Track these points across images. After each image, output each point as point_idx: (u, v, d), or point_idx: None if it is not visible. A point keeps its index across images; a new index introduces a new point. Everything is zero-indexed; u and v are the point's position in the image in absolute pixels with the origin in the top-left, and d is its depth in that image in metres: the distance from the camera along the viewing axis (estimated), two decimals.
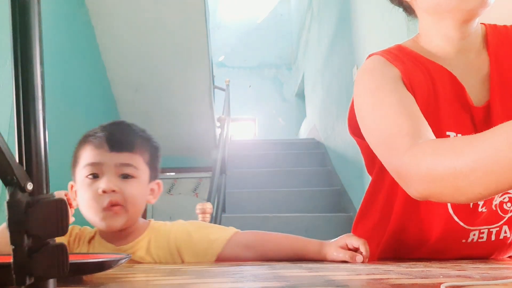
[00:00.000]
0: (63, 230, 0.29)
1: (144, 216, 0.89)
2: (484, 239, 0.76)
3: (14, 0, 0.31)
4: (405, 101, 0.67)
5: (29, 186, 0.29)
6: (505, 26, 0.79)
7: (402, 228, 0.80)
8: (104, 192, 0.78)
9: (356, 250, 0.74)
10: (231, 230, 0.86)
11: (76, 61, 3.19)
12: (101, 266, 0.50)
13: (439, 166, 0.52)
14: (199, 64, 3.99)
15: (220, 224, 3.23)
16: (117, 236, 0.83)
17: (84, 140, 0.84)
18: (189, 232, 0.85)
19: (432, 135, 0.61)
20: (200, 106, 4.50)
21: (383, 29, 2.22)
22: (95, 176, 0.80)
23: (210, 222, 2.07)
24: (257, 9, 8.05)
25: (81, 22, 3.31)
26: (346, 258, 0.73)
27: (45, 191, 0.30)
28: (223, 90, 5.26)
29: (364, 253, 0.72)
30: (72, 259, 0.33)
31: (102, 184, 0.78)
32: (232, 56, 7.77)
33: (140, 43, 3.70)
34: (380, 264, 0.68)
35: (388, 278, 0.45)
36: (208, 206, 1.69)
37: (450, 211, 0.73)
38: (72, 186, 0.85)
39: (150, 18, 3.49)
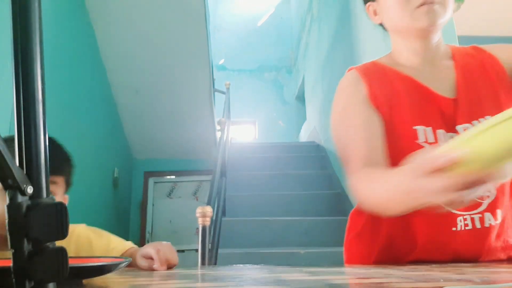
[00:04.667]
0: (63, 234, 0.29)
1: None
2: (470, 227, 0.78)
3: (15, 3, 0.31)
4: (368, 124, 0.80)
5: (29, 190, 0.29)
6: (470, 46, 0.92)
7: (393, 225, 0.82)
8: None
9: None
10: (129, 243, 0.95)
11: (76, 63, 3.19)
12: (101, 270, 0.50)
13: (371, 192, 0.70)
14: (199, 66, 4.00)
15: (221, 227, 3.22)
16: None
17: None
18: (90, 239, 0.93)
19: (381, 158, 0.76)
20: (200, 109, 4.51)
21: (383, 32, 2.23)
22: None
23: (211, 225, 2.06)
24: (257, 12, 8.06)
25: (81, 24, 3.32)
26: (145, 266, 0.77)
27: (45, 195, 0.30)
28: (223, 93, 5.26)
29: (156, 262, 0.75)
30: (72, 263, 0.33)
31: None
32: (232, 59, 7.78)
33: (141, 45, 3.71)
34: (380, 268, 0.68)
35: (389, 282, 0.45)
36: (208, 210, 1.69)
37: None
38: None
39: (150, 21, 3.50)
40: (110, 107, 4.20)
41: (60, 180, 0.94)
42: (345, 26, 3.38)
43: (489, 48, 0.89)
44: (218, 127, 4.34)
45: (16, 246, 0.28)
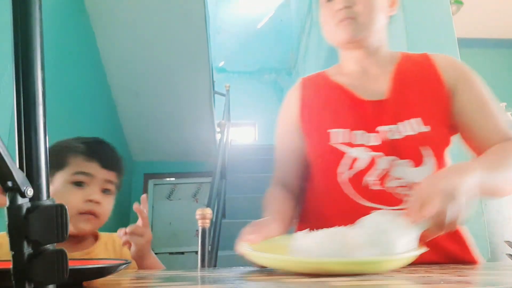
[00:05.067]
0: (63, 236, 0.29)
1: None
2: None
3: (16, 6, 0.31)
4: (286, 149, 0.96)
5: (30, 192, 0.29)
6: (421, 54, 0.97)
7: (317, 221, 0.88)
8: (90, 201, 0.89)
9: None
10: None
11: (76, 66, 3.19)
12: (101, 272, 0.50)
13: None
14: (199, 69, 4.00)
15: (220, 229, 3.21)
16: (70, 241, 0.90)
17: (73, 149, 0.93)
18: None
19: (289, 180, 0.95)
20: (200, 111, 4.51)
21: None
22: (79, 184, 0.90)
23: (210, 227, 2.06)
24: (257, 14, 8.07)
25: (81, 27, 3.32)
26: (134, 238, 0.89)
27: (45, 197, 0.30)
28: (223, 95, 5.27)
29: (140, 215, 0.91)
30: (72, 265, 0.33)
31: (91, 193, 0.89)
32: (232, 61, 7.78)
33: (141, 48, 3.71)
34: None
35: (390, 284, 0.45)
36: (208, 212, 1.69)
37: (344, 190, 0.84)
38: None
39: (150, 24, 3.51)
40: (110, 109, 4.20)
41: (116, 180, 0.96)
42: None
43: (434, 56, 0.93)
44: (218, 129, 4.34)
45: (16, 248, 0.28)
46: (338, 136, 0.86)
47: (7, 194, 0.29)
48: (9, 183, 0.28)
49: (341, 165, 0.84)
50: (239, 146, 5.88)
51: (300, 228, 0.90)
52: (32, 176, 0.30)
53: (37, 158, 0.30)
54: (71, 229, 0.85)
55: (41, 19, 0.32)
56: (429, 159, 0.82)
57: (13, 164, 0.29)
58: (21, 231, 0.28)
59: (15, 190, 0.29)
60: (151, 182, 5.39)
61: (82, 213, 0.88)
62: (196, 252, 2.02)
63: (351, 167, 0.83)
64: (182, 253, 4.99)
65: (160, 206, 5.33)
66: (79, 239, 0.92)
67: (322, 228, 0.83)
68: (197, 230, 1.70)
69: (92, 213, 0.89)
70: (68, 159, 0.90)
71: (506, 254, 0.82)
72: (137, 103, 4.29)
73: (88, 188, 0.90)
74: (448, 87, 0.89)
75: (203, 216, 1.67)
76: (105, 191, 0.93)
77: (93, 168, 0.91)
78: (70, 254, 0.85)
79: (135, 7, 3.36)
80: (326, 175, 0.86)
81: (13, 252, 0.28)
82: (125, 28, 3.51)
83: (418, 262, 0.63)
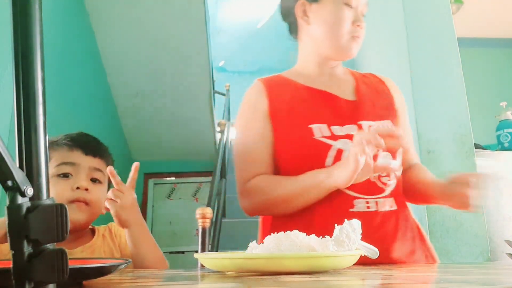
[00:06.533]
0: (63, 235, 0.29)
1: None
2: (373, 209, 0.86)
3: (15, 5, 0.31)
4: (261, 141, 0.94)
5: (29, 191, 0.29)
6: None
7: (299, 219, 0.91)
8: (77, 188, 0.87)
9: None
10: None
11: (76, 65, 3.19)
12: (101, 272, 0.50)
13: (273, 192, 0.88)
14: (199, 68, 4.00)
15: (221, 228, 3.22)
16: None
17: (55, 143, 0.92)
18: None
19: (267, 171, 0.92)
20: (200, 110, 4.50)
21: (383, 33, 2.23)
22: (66, 176, 0.88)
23: (210, 227, 2.06)
24: (257, 14, 8.07)
25: (81, 27, 3.32)
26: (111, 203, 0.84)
27: (45, 196, 0.30)
28: (223, 95, 5.26)
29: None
30: (72, 264, 0.33)
31: (77, 181, 0.87)
32: (232, 60, 7.78)
33: (141, 48, 3.71)
34: (381, 269, 0.68)
35: (390, 284, 0.45)
36: (208, 211, 1.69)
37: None
38: None
39: (150, 23, 3.50)
40: (110, 109, 4.19)
41: (104, 167, 0.93)
42: None
43: (381, 77, 1.06)
44: (218, 129, 4.34)
45: (16, 248, 0.28)
46: (320, 130, 0.89)
47: (7, 193, 0.29)
48: (9, 183, 0.28)
49: (328, 157, 0.87)
50: None
51: (277, 222, 0.93)
52: (32, 176, 0.30)
53: (37, 157, 0.30)
54: None
55: (41, 19, 0.32)
56: (399, 156, 0.88)
57: (13, 164, 0.29)
58: (21, 230, 0.28)
59: (15, 190, 0.29)
60: (151, 182, 5.39)
61: (71, 202, 0.86)
62: (196, 251, 2.02)
63: (339, 159, 0.87)
64: (182, 252, 5.00)
65: (160, 206, 5.33)
66: (77, 235, 0.91)
67: (304, 219, 0.88)
68: (197, 230, 1.70)
69: (81, 201, 0.87)
70: (51, 154, 0.90)
71: (506, 253, 0.82)
72: (137, 102, 4.29)
73: (75, 177, 0.88)
74: (396, 106, 1.00)
75: (203, 215, 1.67)
76: (94, 180, 0.91)
77: (76, 156, 0.90)
78: (71, 251, 0.85)
79: (135, 7, 3.36)
80: (313, 168, 0.88)
81: (13, 252, 0.28)
82: (125, 27, 3.51)
83: (378, 262, 0.69)
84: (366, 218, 0.81)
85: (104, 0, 3.30)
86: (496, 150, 2.06)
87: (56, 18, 2.77)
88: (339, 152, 0.88)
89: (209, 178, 3.68)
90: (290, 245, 0.59)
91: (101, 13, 3.37)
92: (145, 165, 5.39)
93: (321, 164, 0.87)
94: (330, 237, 0.61)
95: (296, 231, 0.62)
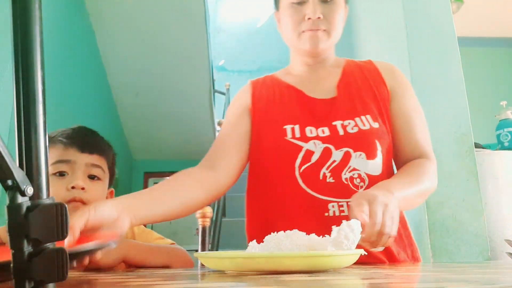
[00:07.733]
0: (63, 234, 0.29)
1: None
2: (346, 213, 0.83)
3: (15, 5, 0.31)
4: (232, 133, 0.96)
5: (29, 190, 0.29)
6: (366, 61, 1.06)
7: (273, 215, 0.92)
8: (73, 188, 0.82)
9: None
10: (169, 240, 1.00)
11: (76, 65, 3.19)
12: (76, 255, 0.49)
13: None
14: (200, 68, 4.00)
15: (221, 228, 3.22)
16: None
17: (49, 140, 0.88)
18: (134, 233, 0.96)
19: (223, 162, 0.93)
20: (200, 110, 4.50)
21: (383, 33, 2.23)
22: (62, 174, 0.84)
23: (211, 226, 2.06)
24: (257, 13, 8.06)
25: (81, 26, 3.32)
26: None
27: (45, 195, 0.30)
28: (223, 94, 5.27)
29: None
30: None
31: (73, 180, 0.83)
32: (232, 60, 7.77)
33: (141, 47, 3.70)
34: (381, 268, 0.68)
35: (390, 283, 0.45)
36: (208, 210, 1.69)
37: (301, 184, 0.87)
38: None
39: (150, 23, 3.50)
40: (110, 108, 4.19)
41: (103, 163, 0.90)
42: (345, 28, 3.38)
43: (377, 62, 1.03)
44: (218, 128, 4.34)
45: (16, 247, 0.28)
46: (292, 131, 0.90)
47: (7, 192, 0.29)
48: (9, 182, 0.29)
49: (299, 158, 0.88)
50: None
51: (254, 223, 0.93)
52: (32, 175, 0.30)
53: (37, 156, 0.30)
54: None
55: (41, 19, 0.32)
56: (379, 153, 0.87)
57: (13, 163, 0.29)
58: (21, 229, 0.28)
59: (15, 189, 0.29)
60: (151, 181, 5.39)
61: (68, 202, 0.82)
62: (196, 251, 2.02)
63: (308, 160, 0.87)
64: None
65: None
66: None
67: (277, 222, 0.88)
68: (197, 229, 1.70)
69: (78, 201, 0.83)
70: None
71: (506, 252, 0.82)
72: (137, 102, 4.28)
73: (70, 176, 0.85)
74: (389, 89, 0.97)
75: (203, 214, 1.67)
76: (91, 177, 0.87)
77: (72, 154, 0.86)
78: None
79: (135, 7, 3.36)
80: (284, 169, 0.89)
81: (13, 251, 0.28)
82: (125, 27, 3.50)
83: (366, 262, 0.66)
84: (341, 223, 0.80)
85: (105, 0, 3.29)
86: (496, 150, 2.06)
87: (56, 18, 2.77)
88: (308, 153, 0.87)
89: None
90: (290, 244, 0.59)
91: (102, 13, 3.37)
92: (145, 164, 5.40)
93: (291, 166, 0.88)
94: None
95: (295, 230, 0.62)
